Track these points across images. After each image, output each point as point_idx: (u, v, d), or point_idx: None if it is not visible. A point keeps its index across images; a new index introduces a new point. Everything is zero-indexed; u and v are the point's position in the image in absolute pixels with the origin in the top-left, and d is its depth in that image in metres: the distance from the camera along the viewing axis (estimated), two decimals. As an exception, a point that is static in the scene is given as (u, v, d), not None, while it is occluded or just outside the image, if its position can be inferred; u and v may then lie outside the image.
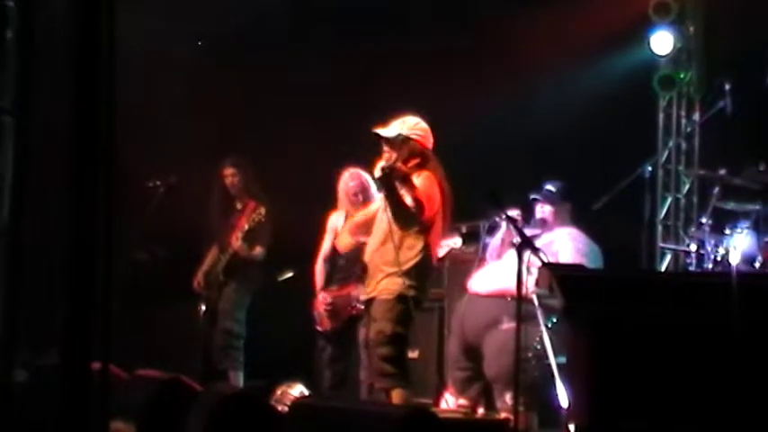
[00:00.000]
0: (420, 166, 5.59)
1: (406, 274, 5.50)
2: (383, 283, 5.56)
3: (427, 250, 5.58)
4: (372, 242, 5.72)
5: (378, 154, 5.61)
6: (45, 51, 2.41)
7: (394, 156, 5.52)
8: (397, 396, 5.50)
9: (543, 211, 6.67)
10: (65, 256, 1.98)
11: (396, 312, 5.47)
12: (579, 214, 6.84)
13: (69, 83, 2.03)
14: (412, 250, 5.54)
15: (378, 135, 5.60)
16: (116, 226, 2.07)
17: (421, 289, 5.59)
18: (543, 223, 6.59)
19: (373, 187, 7.00)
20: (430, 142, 5.69)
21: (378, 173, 5.44)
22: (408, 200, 5.50)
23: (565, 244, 6.47)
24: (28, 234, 2.17)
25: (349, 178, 7.03)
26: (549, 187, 6.66)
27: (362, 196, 6.97)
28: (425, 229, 5.56)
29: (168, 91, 7.99)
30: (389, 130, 5.62)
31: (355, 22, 8.54)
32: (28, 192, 2.17)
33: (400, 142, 5.57)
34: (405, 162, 5.56)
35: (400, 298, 5.49)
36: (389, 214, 5.48)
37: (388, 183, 5.44)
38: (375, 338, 5.55)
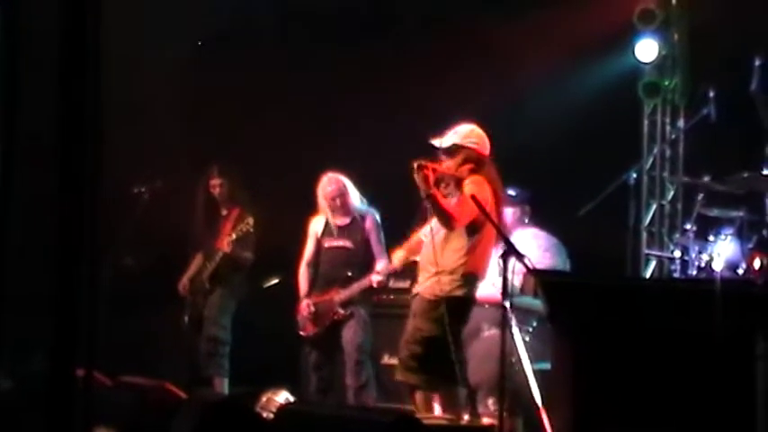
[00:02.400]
0: (473, 171, 5.73)
1: (452, 273, 5.62)
2: (428, 283, 5.68)
3: (475, 251, 5.67)
4: (424, 242, 5.86)
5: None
6: (30, 54, 2.40)
7: (450, 163, 5.71)
8: (419, 397, 5.70)
9: (504, 214, 6.86)
10: (50, 262, 1.98)
11: (436, 314, 5.56)
12: (564, 220, 6.95)
13: (55, 86, 2.03)
14: (458, 251, 5.64)
15: (434, 146, 5.77)
16: (102, 231, 2.06)
17: (469, 289, 5.68)
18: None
19: (352, 192, 7.01)
20: (486, 148, 5.84)
21: (415, 173, 5.54)
22: (453, 201, 5.65)
23: (528, 242, 6.82)
24: (12, 239, 2.16)
25: (327, 183, 7.02)
26: (510, 192, 6.89)
27: (340, 201, 6.98)
28: (474, 231, 5.66)
29: (154, 95, 7.95)
30: (445, 140, 5.78)
31: (346, 24, 8.53)
32: (13, 196, 2.16)
33: (455, 151, 5.75)
34: (458, 167, 5.72)
35: (443, 300, 5.58)
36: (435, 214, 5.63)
37: (424, 182, 5.52)
38: (411, 334, 5.69)
